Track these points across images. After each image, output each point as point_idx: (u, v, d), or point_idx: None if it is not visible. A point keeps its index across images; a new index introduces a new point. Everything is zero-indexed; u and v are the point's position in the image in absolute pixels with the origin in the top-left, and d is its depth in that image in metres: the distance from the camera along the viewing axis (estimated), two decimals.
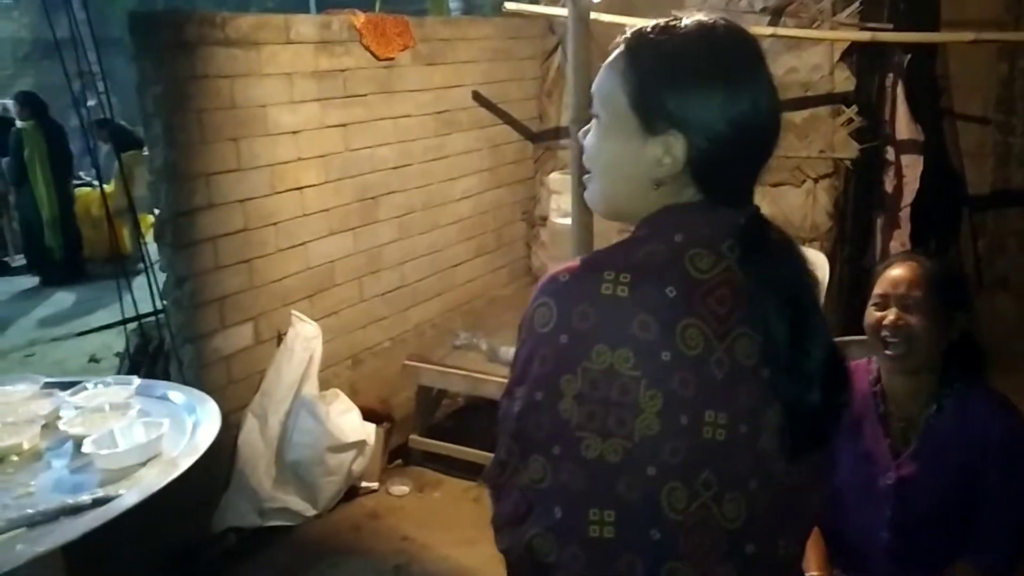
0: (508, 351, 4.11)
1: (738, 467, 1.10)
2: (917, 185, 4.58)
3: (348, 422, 3.86)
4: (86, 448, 1.96)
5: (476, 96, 4.79)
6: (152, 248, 3.61)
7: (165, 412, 2.23)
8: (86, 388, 2.34)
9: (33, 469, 2.00)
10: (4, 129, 8.68)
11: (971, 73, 5.09)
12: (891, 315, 1.95)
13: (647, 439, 1.06)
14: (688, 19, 1.16)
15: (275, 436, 3.66)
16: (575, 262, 1.15)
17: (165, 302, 3.48)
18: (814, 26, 4.33)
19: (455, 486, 4.16)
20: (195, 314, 3.41)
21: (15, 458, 2.03)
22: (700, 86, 1.13)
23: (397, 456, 4.37)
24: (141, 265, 3.81)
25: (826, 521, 2.05)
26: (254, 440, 3.59)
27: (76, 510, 1.75)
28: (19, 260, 9.22)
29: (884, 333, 1.96)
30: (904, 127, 4.54)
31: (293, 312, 3.74)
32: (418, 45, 4.31)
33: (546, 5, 4.74)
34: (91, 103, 4.80)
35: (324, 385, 3.87)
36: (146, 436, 2.03)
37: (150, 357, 3.86)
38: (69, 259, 8.46)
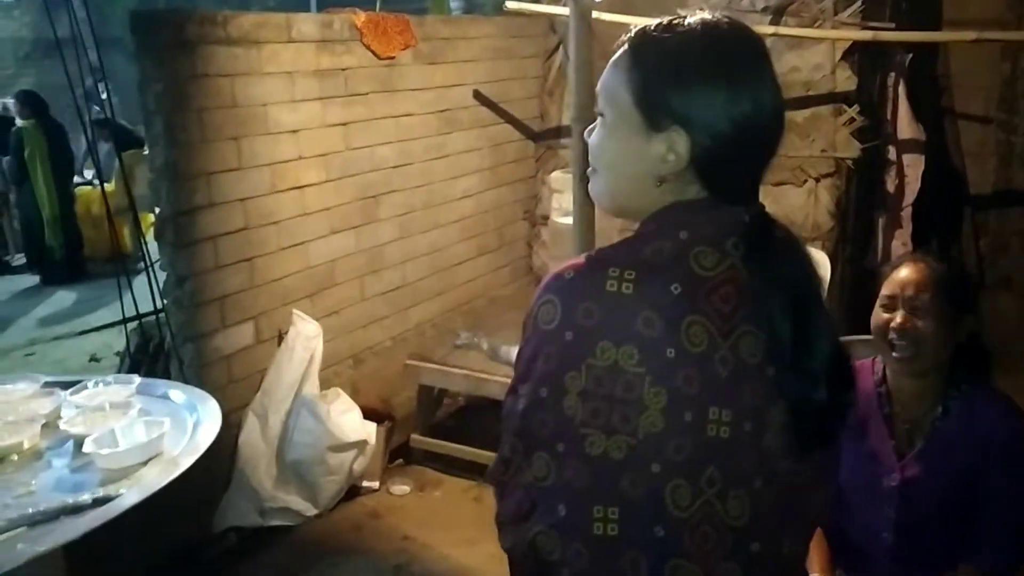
0: (509, 350, 4.11)
1: (742, 465, 1.10)
2: (919, 185, 4.58)
3: (349, 421, 3.85)
4: (87, 447, 1.96)
5: (477, 95, 4.78)
6: (153, 247, 3.60)
7: (166, 411, 2.22)
8: (87, 387, 2.33)
9: (34, 468, 2.00)
10: (5, 128, 8.68)
11: (973, 72, 5.09)
12: (899, 317, 1.93)
13: (651, 436, 1.07)
14: (692, 17, 1.16)
15: (276, 435, 3.65)
16: (580, 259, 1.15)
17: (166, 301, 3.47)
18: (816, 25, 4.32)
19: (456, 486, 4.16)
20: (196, 313, 3.41)
21: (15, 457, 2.03)
22: (703, 83, 1.13)
23: (398, 455, 4.37)
24: (142, 264, 3.80)
25: (829, 521, 2.04)
26: (255, 439, 3.59)
27: (77, 509, 1.74)
28: (19, 259, 9.23)
29: (891, 336, 1.94)
30: (906, 126, 4.53)
31: (294, 311, 3.73)
32: (419, 44, 4.30)
33: (547, 4, 4.73)
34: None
35: (325, 384, 3.87)
36: (147, 435, 2.03)
37: (151, 356, 3.86)
38: (70, 258, 8.46)
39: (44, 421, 2.16)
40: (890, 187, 4.59)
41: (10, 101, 9.18)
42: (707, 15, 1.17)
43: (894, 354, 1.96)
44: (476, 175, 4.88)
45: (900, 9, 4.57)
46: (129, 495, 1.79)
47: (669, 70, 1.14)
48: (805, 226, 4.42)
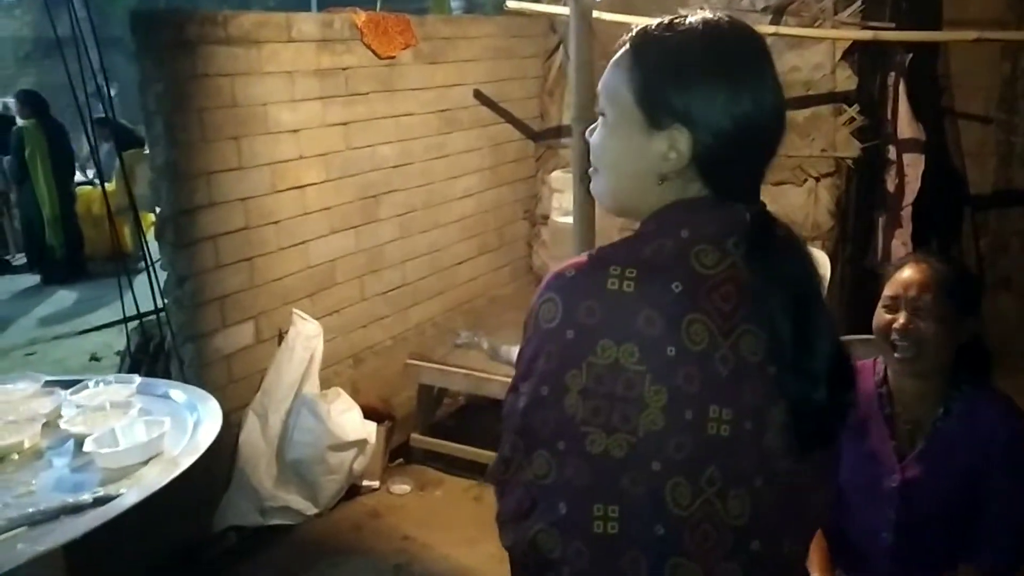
0: (509, 350, 4.11)
1: (743, 464, 1.10)
2: (919, 184, 4.58)
3: (349, 421, 3.85)
4: (87, 447, 1.96)
5: (477, 95, 4.78)
6: (153, 247, 3.60)
7: (166, 411, 2.22)
8: (87, 387, 2.33)
9: (34, 468, 1.99)
10: (5, 128, 8.69)
11: (973, 72, 5.09)
12: (901, 319, 1.92)
13: (652, 434, 1.07)
14: (692, 17, 1.17)
15: (276, 435, 3.65)
16: (581, 258, 1.16)
17: (166, 301, 3.47)
18: (816, 25, 4.32)
19: (456, 485, 4.15)
20: (196, 313, 3.41)
21: (16, 457, 2.03)
22: (704, 81, 1.13)
23: (398, 455, 4.37)
24: (142, 264, 3.80)
25: (829, 521, 2.04)
26: (255, 439, 3.59)
27: (77, 509, 1.74)
28: (20, 258, 9.22)
29: (894, 337, 1.93)
30: (906, 126, 4.53)
31: (294, 311, 3.73)
32: (419, 43, 4.30)
33: (548, 3, 4.73)
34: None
35: (325, 384, 3.87)
36: (147, 435, 2.03)
37: (151, 356, 3.86)
38: (70, 257, 8.46)
39: (44, 420, 2.16)
40: (890, 187, 4.59)
41: (11, 100, 9.18)
42: (708, 14, 1.17)
43: (896, 355, 1.95)
44: (476, 175, 4.88)
45: (900, 9, 4.56)
46: (129, 495, 1.79)
47: (670, 68, 1.14)
48: (805, 225, 4.42)
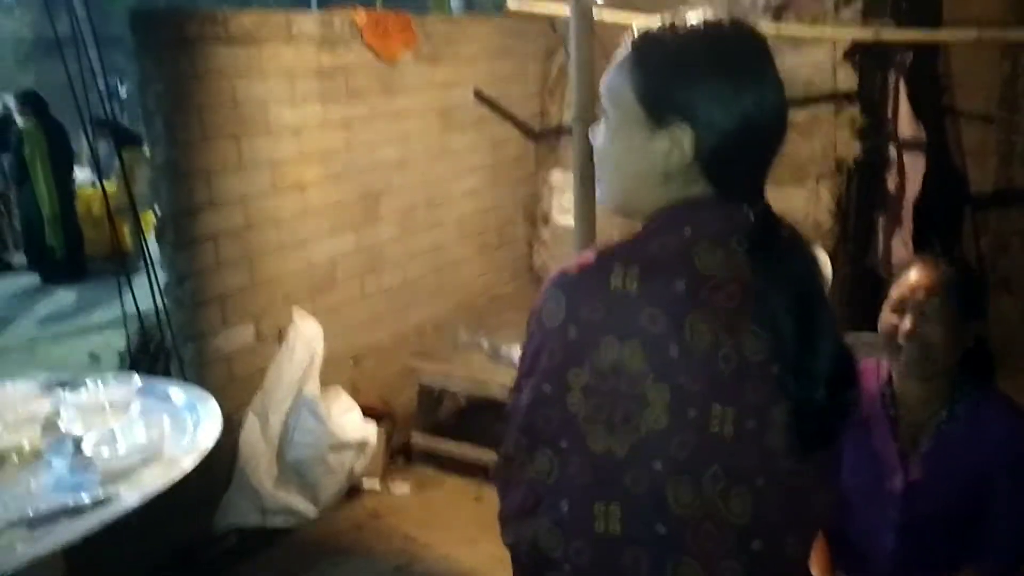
0: (510, 350, 4.11)
1: (745, 463, 1.10)
2: (919, 184, 4.57)
3: (349, 421, 3.85)
4: (86, 448, 1.95)
5: (478, 94, 4.78)
6: (153, 246, 3.60)
7: (166, 411, 2.22)
8: (86, 387, 2.32)
9: (33, 469, 1.99)
10: (5, 128, 8.67)
11: (973, 71, 5.07)
12: (907, 322, 1.90)
13: (654, 433, 1.07)
14: (694, 17, 1.17)
15: (276, 435, 3.65)
16: (585, 256, 1.15)
17: (166, 300, 3.47)
18: (817, 24, 4.32)
19: (456, 485, 4.15)
20: (196, 312, 3.40)
21: (15, 457, 2.03)
22: (706, 78, 1.13)
23: (399, 455, 4.37)
24: (142, 263, 3.79)
25: (830, 522, 2.03)
26: (255, 439, 3.59)
27: (76, 510, 1.74)
28: (20, 258, 9.21)
29: (900, 340, 1.91)
30: (906, 125, 4.53)
31: (294, 310, 3.73)
32: (420, 43, 4.30)
33: (548, 3, 4.72)
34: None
35: (325, 384, 3.86)
36: (147, 436, 2.03)
37: (151, 355, 3.86)
38: (70, 257, 8.44)
39: (44, 421, 2.15)
40: (891, 186, 4.59)
41: (10, 100, 9.17)
42: (709, 14, 1.18)
43: (901, 358, 1.93)
44: (477, 174, 4.88)
45: (901, 8, 4.56)
46: (129, 496, 1.79)
47: (672, 66, 1.15)
48: (806, 225, 4.41)
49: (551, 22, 5.11)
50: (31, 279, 8.67)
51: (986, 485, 1.91)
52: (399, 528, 3.81)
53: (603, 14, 3.81)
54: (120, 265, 4.54)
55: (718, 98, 1.12)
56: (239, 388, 3.59)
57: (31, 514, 1.72)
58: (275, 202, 3.65)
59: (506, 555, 1.21)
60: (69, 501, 1.76)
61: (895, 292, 1.95)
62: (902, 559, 1.98)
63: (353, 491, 4.00)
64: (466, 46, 4.67)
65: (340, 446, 3.77)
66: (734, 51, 1.16)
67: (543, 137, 5.29)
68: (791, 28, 4.19)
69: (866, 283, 4.73)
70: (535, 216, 5.38)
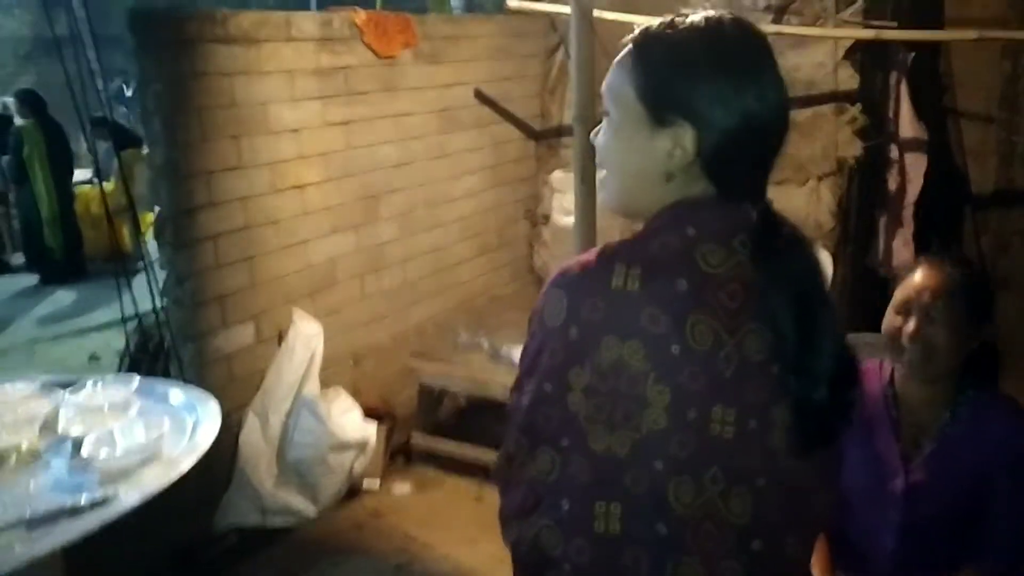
0: (510, 350, 4.10)
1: (746, 463, 1.10)
2: (920, 184, 4.56)
3: (349, 421, 3.85)
4: (85, 448, 1.95)
5: (478, 94, 4.77)
6: (152, 246, 3.59)
7: (165, 412, 2.22)
8: (85, 387, 2.32)
9: (32, 469, 1.99)
10: (4, 127, 8.67)
11: (974, 71, 5.07)
12: (912, 324, 1.88)
13: (655, 432, 1.07)
14: (695, 15, 1.17)
15: (276, 435, 3.65)
16: (587, 255, 1.16)
17: (165, 300, 3.46)
18: (818, 24, 4.32)
19: (457, 485, 4.15)
20: (196, 312, 3.40)
21: (14, 458, 2.02)
22: (707, 77, 1.13)
23: (399, 455, 4.37)
24: (141, 263, 3.79)
25: (831, 522, 2.03)
26: (255, 439, 3.58)
27: (75, 511, 1.74)
28: (19, 258, 9.21)
29: (904, 342, 1.90)
30: (908, 125, 4.52)
31: (294, 310, 3.73)
32: (420, 43, 4.29)
33: (549, 2, 4.72)
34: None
35: (325, 384, 3.86)
36: (146, 436, 2.02)
37: (151, 356, 3.84)
38: (69, 257, 8.44)
39: (43, 422, 2.14)
40: (892, 186, 4.58)
41: (9, 100, 9.17)
42: (710, 13, 1.18)
43: (904, 359, 1.92)
44: (477, 174, 4.87)
45: (902, 7, 4.55)
46: (128, 497, 1.78)
47: (672, 65, 1.15)
48: (807, 225, 4.41)
49: (552, 21, 5.11)
50: (30, 279, 8.67)
51: (987, 485, 1.90)
52: (399, 528, 3.80)
53: (603, 13, 3.81)
54: (119, 265, 4.54)
55: (719, 97, 1.12)
56: (239, 388, 3.59)
57: (30, 515, 1.71)
58: (275, 202, 3.65)
59: (506, 555, 1.21)
60: (68, 502, 1.76)
61: (900, 293, 1.94)
62: (902, 559, 1.97)
63: (353, 491, 4.00)
64: (466, 46, 4.67)
65: (340, 446, 3.77)
66: (735, 49, 1.16)
67: (543, 137, 5.28)
68: (792, 28, 4.18)
69: (867, 283, 4.73)
70: (535, 216, 5.38)
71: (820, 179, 4.43)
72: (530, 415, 1.15)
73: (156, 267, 3.52)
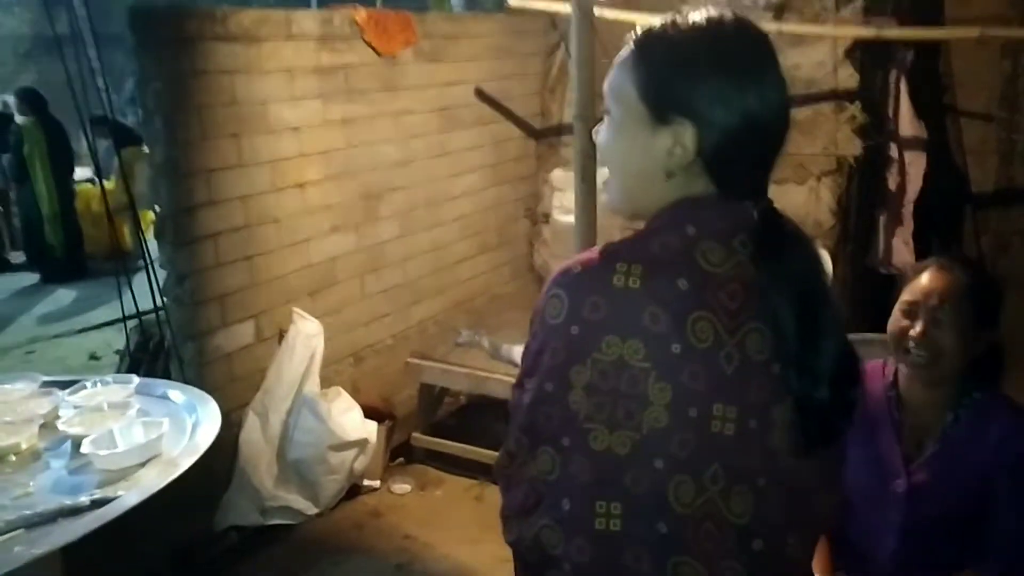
0: (510, 349, 4.10)
1: (746, 462, 1.10)
2: (920, 182, 4.56)
3: (350, 420, 3.85)
4: (85, 448, 1.95)
5: (479, 93, 4.77)
6: (153, 245, 3.59)
7: (165, 411, 2.21)
8: (85, 387, 2.32)
9: (31, 469, 1.98)
10: (5, 126, 8.67)
11: (975, 70, 5.07)
12: (919, 327, 1.87)
13: (655, 431, 1.07)
14: (696, 14, 1.17)
15: (276, 434, 3.64)
16: (588, 254, 1.16)
17: (166, 299, 3.46)
18: (818, 22, 4.31)
19: (457, 484, 4.15)
20: (196, 311, 3.40)
21: (13, 458, 2.01)
22: (708, 75, 1.13)
23: (399, 454, 4.36)
24: (142, 262, 3.79)
25: (833, 522, 2.02)
26: (255, 438, 3.58)
27: (75, 511, 1.73)
28: (19, 257, 9.21)
29: (909, 344, 1.88)
30: (908, 124, 4.52)
31: (295, 309, 3.72)
32: (420, 41, 4.29)
33: (549, 1, 4.71)
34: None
35: (326, 383, 3.86)
36: (145, 436, 2.01)
37: (151, 355, 3.85)
38: (70, 256, 8.45)
39: (42, 421, 2.14)
40: (891, 185, 4.58)
41: (10, 98, 9.17)
42: (711, 11, 1.17)
43: (909, 361, 1.91)
44: (477, 173, 4.87)
45: (902, 6, 4.55)
46: (127, 497, 1.78)
47: (673, 63, 1.15)
48: (806, 224, 4.40)
49: (552, 20, 5.10)
50: (31, 278, 8.68)
51: (988, 486, 1.89)
52: (399, 527, 3.80)
53: (604, 12, 3.80)
54: (120, 264, 4.54)
55: (720, 96, 1.12)
56: (239, 387, 3.59)
57: (29, 515, 1.71)
58: (275, 201, 3.64)
59: (507, 554, 1.22)
60: (67, 502, 1.75)
61: (908, 295, 1.92)
62: (903, 560, 1.97)
63: (353, 490, 4.00)
64: (467, 44, 4.66)
65: (340, 445, 3.77)
66: (736, 49, 1.16)
67: (544, 136, 5.28)
68: (792, 26, 4.18)
69: (867, 282, 4.72)
70: (536, 215, 5.38)
71: (820, 178, 4.43)
72: (531, 414, 1.15)
73: (157, 266, 3.52)
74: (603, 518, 1.09)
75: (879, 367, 2.03)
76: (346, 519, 3.86)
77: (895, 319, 1.94)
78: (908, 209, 4.60)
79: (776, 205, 1.18)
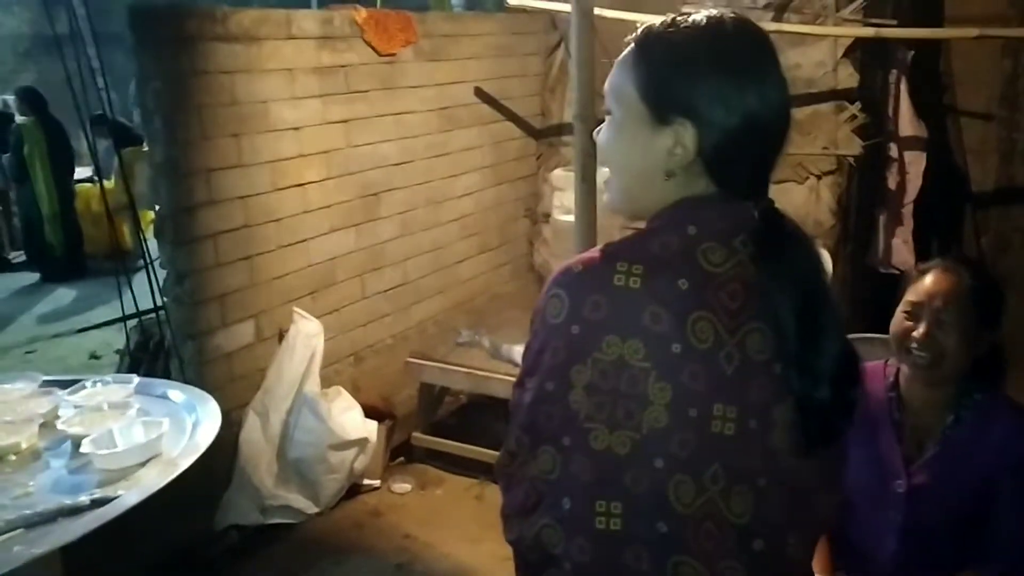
0: (510, 348, 4.10)
1: (747, 462, 1.10)
2: (920, 182, 4.57)
3: (350, 420, 3.85)
4: (85, 448, 1.95)
5: (479, 92, 4.77)
6: (153, 244, 3.59)
7: (164, 411, 2.21)
8: (85, 387, 2.32)
9: (31, 469, 1.98)
10: (5, 125, 8.67)
11: (974, 69, 5.07)
12: (922, 328, 1.87)
13: (655, 431, 1.07)
14: (696, 14, 1.17)
15: (277, 434, 3.64)
16: (589, 253, 1.16)
17: (166, 299, 3.46)
18: (818, 22, 4.31)
19: (457, 484, 4.15)
20: (196, 311, 3.40)
21: (13, 458, 2.01)
22: (708, 75, 1.13)
23: (399, 454, 4.36)
24: (142, 262, 3.79)
25: (834, 522, 2.02)
26: (256, 438, 3.58)
27: (74, 511, 1.73)
28: (19, 256, 9.21)
29: (912, 345, 1.88)
30: (908, 124, 4.52)
31: (295, 309, 3.72)
32: (420, 41, 4.29)
33: (549, 1, 4.71)
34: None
35: (326, 382, 3.86)
36: (145, 436, 2.01)
37: (151, 354, 3.84)
38: (70, 255, 8.44)
39: (42, 421, 2.14)
40: (891, 184, 4.58)
41: (10, 98, 9.17)
42: (712, 11, 1.18)
43: (911, 362, 1.91)
44: (477, 173, 4.87)
45: (902, 6, 4.55)
46: (127, 496, 1.78)
47: (674, 63, 1.15)
48: (806, 223, 4.40)
49: (552, 19, 5.10)
50: (31, 277, 8.68)
51: (989, 488, 1.89)
52: (400, 526, 3.80)
53: (604, 12, 3.80)
54: (120, 263, 4.54)
55: (720, 96, 1.12)
56: (239, 387, 3.58)
57: (29, 515, 1.71)
58: (275, 201, 3.64)
59: (507, 553, 1.22)
60: (67, 501, 1.75)
61: (911, 296, 1.92)
62: (904, 561, 1.97)
63: (354, 490, 3.99)
64: (467, 44, 4.66)
65: (341, 444, 3.77)
66: (736, 49, 1.16)
67: (544, 135, 5.28)
68: (792, 26, 4.18)
69: (867, 282, 4.72)
70: (536, 214, 5.38)
71: (820, 177, 4.43)
72: (532, 413, 1.15)
73: (156, 265, 3.52)
74: (603, 517, 1.09)
75: (880, 367, 2.03)
76: (346, 518, 3.86)
77: (898, 320, 1.93)
78: (908, 209, 4.60)
79: (776, 205, 1.18)
